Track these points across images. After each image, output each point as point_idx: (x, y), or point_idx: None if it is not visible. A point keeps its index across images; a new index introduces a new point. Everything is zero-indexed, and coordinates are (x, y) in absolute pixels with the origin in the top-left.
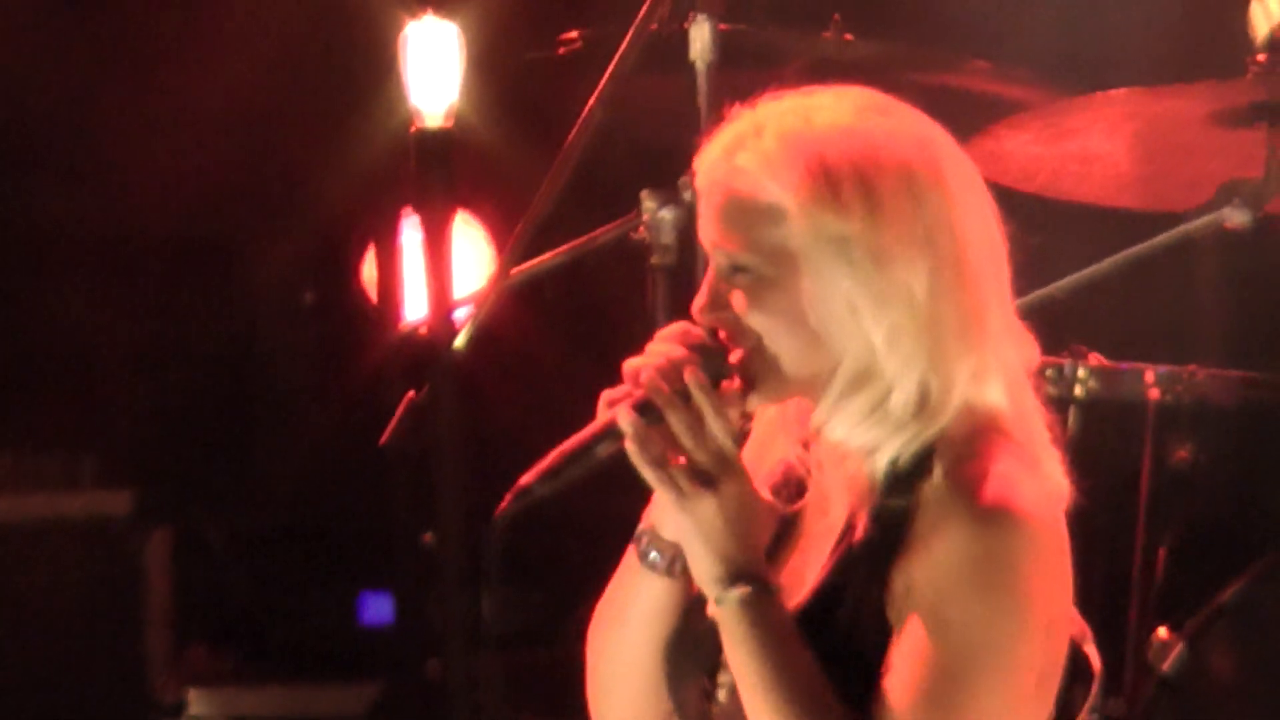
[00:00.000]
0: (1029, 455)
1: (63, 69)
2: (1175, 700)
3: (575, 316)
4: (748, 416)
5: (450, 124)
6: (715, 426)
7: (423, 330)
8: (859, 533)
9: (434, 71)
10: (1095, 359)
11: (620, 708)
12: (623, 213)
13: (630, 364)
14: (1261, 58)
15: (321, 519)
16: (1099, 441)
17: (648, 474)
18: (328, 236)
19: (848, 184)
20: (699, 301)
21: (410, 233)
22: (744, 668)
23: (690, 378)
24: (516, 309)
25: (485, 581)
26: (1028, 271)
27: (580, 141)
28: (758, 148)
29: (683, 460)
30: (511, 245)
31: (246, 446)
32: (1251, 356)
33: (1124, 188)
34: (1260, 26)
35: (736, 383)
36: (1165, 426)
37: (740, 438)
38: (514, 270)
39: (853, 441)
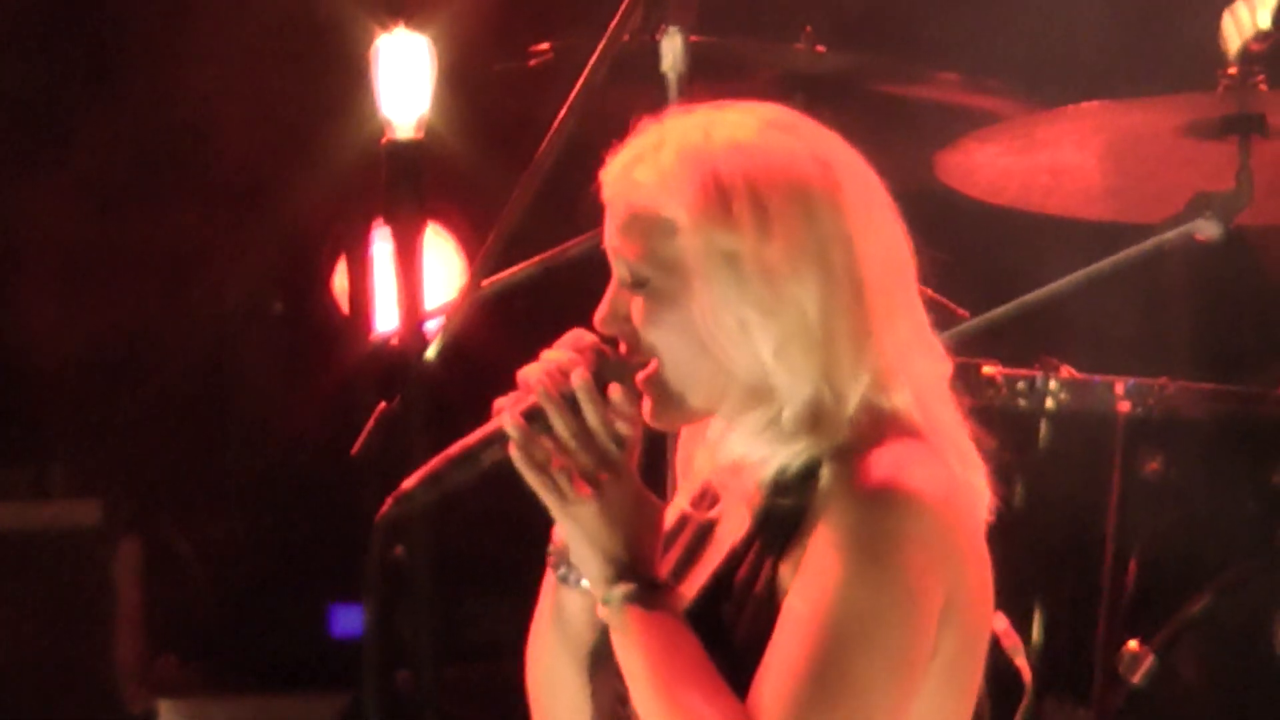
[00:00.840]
0: (930, 448)
1: (32, 76)
2: (1145, 711)
3: (546, 328)
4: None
5: (421, 135)
6: (598, 428)
7: (394, 341)
8: (745, 531)
9: (405, 83)
10: (1066, 371)
11: None
12: (593, 224)
13: (524, 371)
14: (1233, 70)
15: (292, 530)
16: (1069, 453)
17: (530, 478)
18: (298, 247)
19: (739, 199)
20: (600, 313)
21: (381, 244)
22: (630, 663)
23: (575, 379)
24: (488, 320)
25: (367, 587)
26: (999, 284)
27: (551, 152)
28: (655, 162)
29: (566, 464)
30: (482, 256)
31: (216, 457)
32: (1222, 369)
33: (1095, 200)
34: (1232, 39)
35: (639, 395)
36: (1135, 439)
37: (630, 441)
38: (485, 281)
39: (749, 456)
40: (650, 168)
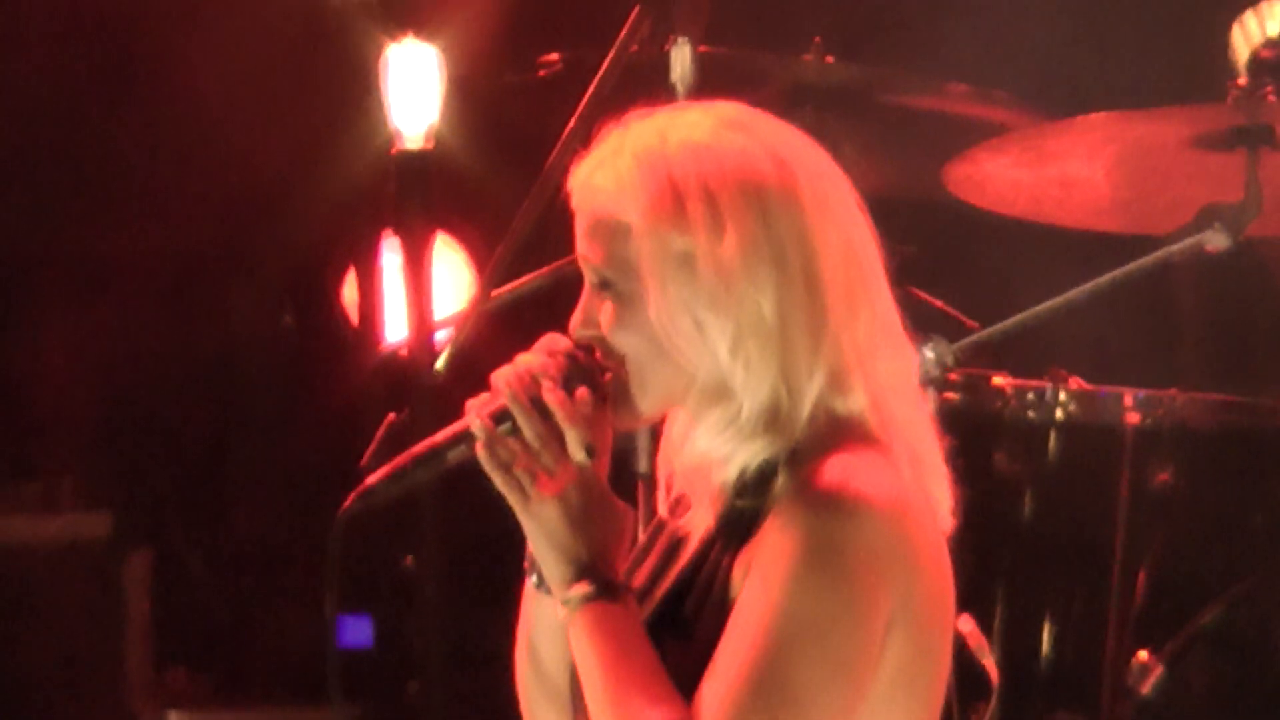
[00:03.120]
0: (884, 454)
1: (38, 92)
2: None
3: None
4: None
5: (430, 146)
6: (565, 431)
7: (403, 352)
8: (708, 532)
9: (414, 93)
10: (1075, 382)
11: None
12: None
13: (496, 374)
14: (1241, 82)
15: (301, 541)
16: (1078, 465)
17: (495, 478)
18: (307, 258)
19: (693, 201)
20: (574, 319)
21: (390, 254)
22: (584, 663)
23: (542, 383)
24: (497, 331)
25: (328, 582)
26: (1008, 296)
27: (560, 163)
28: (614, 167)
29: (531, 465)
30: (492, 267)
31: (226, 469)
32: (1231, 380)
33: (1104, 211)
34: (1241, 51)
35: (606, 394)
36: (1144, 450)
37: (596, 445)
38: (494, 292)
39: (711, 455)
40: (608, 173)
